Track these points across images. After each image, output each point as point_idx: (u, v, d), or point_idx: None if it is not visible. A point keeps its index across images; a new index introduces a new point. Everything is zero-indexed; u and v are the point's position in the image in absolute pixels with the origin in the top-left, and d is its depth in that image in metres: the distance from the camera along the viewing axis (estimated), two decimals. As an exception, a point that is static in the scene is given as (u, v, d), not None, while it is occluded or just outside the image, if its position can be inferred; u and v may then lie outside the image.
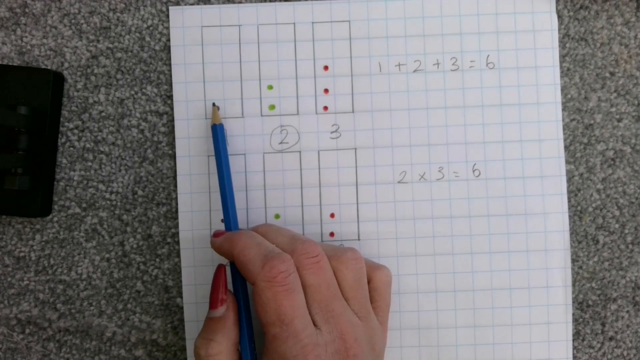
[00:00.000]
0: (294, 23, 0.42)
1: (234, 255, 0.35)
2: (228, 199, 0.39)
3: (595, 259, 0.42)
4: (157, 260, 0.42)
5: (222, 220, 0.41)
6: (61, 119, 0.42)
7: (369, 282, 0.38)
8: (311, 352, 0.33)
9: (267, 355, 0.34)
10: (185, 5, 0.41)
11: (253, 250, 0.35)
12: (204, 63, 0.41)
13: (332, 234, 0.42)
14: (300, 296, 0.34)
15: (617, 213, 0.42)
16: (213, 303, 0.36)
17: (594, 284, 0.42)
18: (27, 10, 0.41)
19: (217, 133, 0.40)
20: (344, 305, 0.36)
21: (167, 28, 0.42)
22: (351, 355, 0.34)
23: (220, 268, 0.37)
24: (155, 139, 0.42)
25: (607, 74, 0.42)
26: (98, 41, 0.42)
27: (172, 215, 0.42)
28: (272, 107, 0.42)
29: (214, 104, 0.41)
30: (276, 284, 0.33)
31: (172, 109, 0.42)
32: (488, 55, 0.42)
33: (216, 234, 0.38)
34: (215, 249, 0.37)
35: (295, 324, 0.33)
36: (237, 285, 0.37)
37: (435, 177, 0.42)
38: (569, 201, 0.42)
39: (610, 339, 0.42)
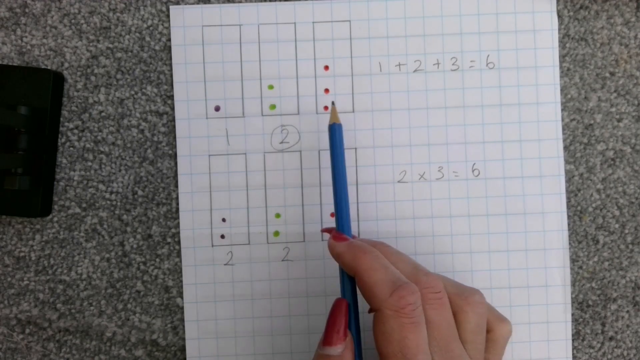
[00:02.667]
0: (295, 23, 0.42)
1: (358, 272, 0.33)
2: (343, 202, 0.37)
3: (595, 259, 0.42)
4: (157, 260, 0.42)
5: (222, 220, 0.41)
6: (61, 119, 0.42)
7: (489, 331, 0.36)
8: None
9: None
10: (186, 4, 0.41)
11: (380, 273, 0.33)
12: (205, 63, 0.41)
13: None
14: (424, 331, 0.32)
15: (617, 213, 0.42)
16: (330, 339, 0.33)
17: (594, 284, 0.42)
18: (27, 10, 0.41)
19: (336, 132, 0.38)
20: (462, 347, 0.34)
21: (167, 28, 0.42)
22: None
23: (341, 302, 0.34)
24: (155, 139, 0.42)
25: (607, 74, 0.42)
26: (98, 41, 0.42)
27: (172, 215, 0.42)
28: (272, 106, 0.42)
29: (333, 103, 0.40)
30: (403, 315, 0.31)
31: (172, 109, 0.42)
32: (488, 55, 0.42)
33: (335, 237, 0.36)
34: (334, 254, 0.35)
35: None
36: (351, 322, 0.35)
37: (435, 176, 0.42)
38: (569, 201, 0.42)
39: (610, 339, 0.43)
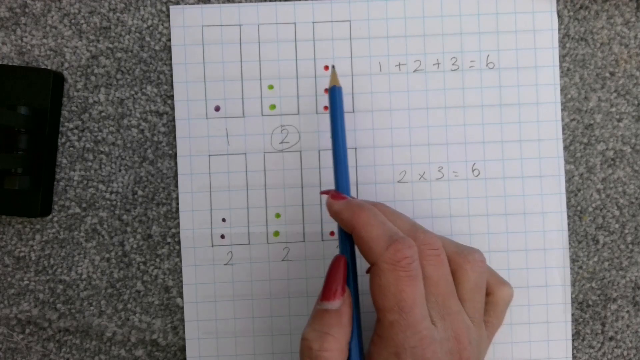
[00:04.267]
0: (295, 23, 0.42)
1: (355, 228, 0.33)
2: (342, 161, 0.36)
3: (595, 259, 0.42)
4: (157, 260, 0.42)
5: (222, 220, 0.41)
6: (61, 119, 0.42)
7: (489, 294, 0.36)
8: (428, 346, 0.31)
9: (381, 343, 0.32)
10: (186, 4, 0.41)
11: (377, 228, 0.32)
12: (205, 63, 0.41)
13: (332, 233, 0.42)
14: (421, 285, 0.32)
15: (617, 213, 0.42)
16: (329, 294, 0.33)
17: (594, 284, 0.42)
18: (27, 10, 0.41)
19: (336, 95, 0.37)
20: (460, 304, 0.34)
21: (167, 28, 0.42)
22: (464, 357, 0.32)
23: (340, 258, 0.35)
24: (155, 139, 0.42)
25: (607, 74, 0.42)
26: (98, 41, 0.42)
27: (172, 215, 0.42)
28: (272, 106, 0.42)
29: (333, 66, 0.40)
30: (400, 268, 0.31)
31: (172, 109, 0.42)
32: (488, 55, 0.42)
33: (334, 196, 0.35)
34: (332, 212, 0.35)
35: (414, 313, 0.31)
36: (349, 279, 0.35)
37: (435, 176, 0.42)
38: (569, 201, 0.42)
39: (610, 339, 0.43)
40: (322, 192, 0.38)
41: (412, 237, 0.33)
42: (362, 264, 0.35)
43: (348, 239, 0.35)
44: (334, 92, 0.38)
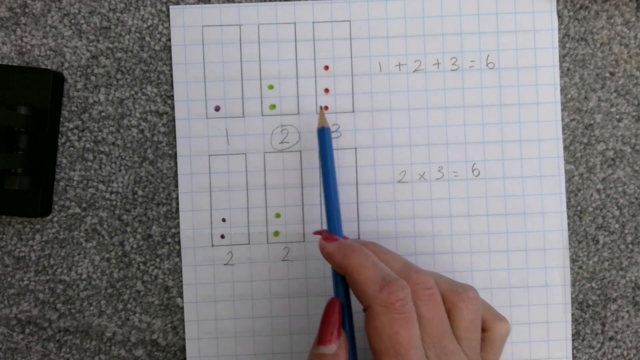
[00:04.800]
0: (295, 23, 0.42)
1: (348, 271, 0.33)
2: (334, 204, 0.37)
3: (595, 259, 0.42)
4: (157, 260, 0.42)
5: (222, 220, 0.41)
6: (61, 119, 0.42)
7: (486, 330, 0.36)
8: None
9: None
10: (186, 4, 0.41)
11: (369, 270, 0.33)
12: (205, 63, 0.41)
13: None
14: (416, 326, 0.32)
15: (617, 213, 0.42)
16: (324, 338, 0.33)
17: (594, 284, 0.42)
18: (27, 10, 0.41)
19: (325, 136, 0.39)
20: (456, 343, 0.33)
21: (167, 28, 0.42)
22: None
23: (334, 301, 0.35)
24: (155, 139, 0.42)
25: (607, 74, 0.42)
26: (98, 41, 0.42)
27: (172, 215, 0.42)
28: (272, 106, 0.42)
29: (321, 107, 0.41)
30: (394, 310, 0.31)
31: (172, 109, 0.42)
32: (488, 55, 0.42)
33: (326, 237, 0.36)
34: (324, 255, 0.35)
35: (410, 355, 0.31)
36: (345, 321, 0.35)
37: (435, 176, 0.42)
38: (569, 201, 0.42)
39: (610, 339, 0.43)
40: (315, 233, 0.38)
41: (404, 277, 0.33)
42: (356, 304, 0.35)
43: (342, 280, 0.35)
44: (323, 133, 0.39)
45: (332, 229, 0.37)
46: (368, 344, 0.32)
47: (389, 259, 0.35)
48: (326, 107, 0.42)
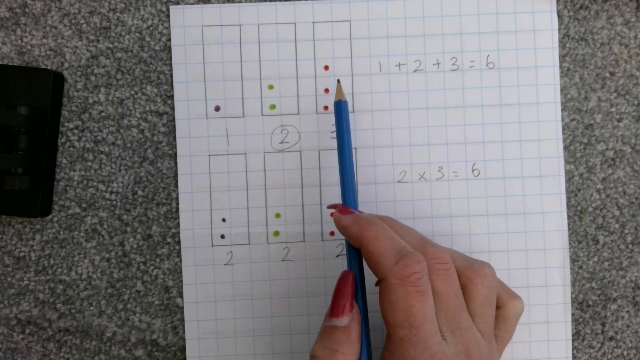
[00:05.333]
0: (295, 23, 0.42)
1: (364, 243, 0.33)
2: (349, 177, 0.37)
3: (595, 259, 0.42)
4: (157, 260, 0.42)
5: (222, 220, 0.41)
6: (61, 119, 0.42)
7: (500, 308, 0.36)
8: None
9: (392, 359, 0.32)
10: (186, 4, 0.41)
11: (385, 243, 0.32)
12: (205, 63, 0.41)
13: (332, 234, 0.42)
14: (431, 300, 0.32)
15: (617, 213, 0.42)
16: (337, 311, 0.33)
17: (594, 284, 0.42)
18: (27, 10, 0.41)
19: (342, 110, 0.38)
20: (470, 319, 0.33)
21: (167, 28, 0.42)
22: None
23: (347, 274, 0.34)
24: (155, 139, 0.42)
25: (607, 74, 0.42)
26: (98, 41, 0.42)
27: (172, 215, 0.42)
28: (272, 106, 0.42)
29: (339, 80, 0.41)
30: (409, 283, 0.31)
31: (172, 109, 0.42)
32: (488, 55, 0.42)
33: (341, 210, 0.35)
34: (340, 227, 0.35)
35: (425, 329, 0.31)
36: (358, 295, 0.34)
37: (435, 176, 0.42)
38: (569, 201, 0.42)
39: (610, 339, 0.43)
40: (329, 206, 0.38)
41: (420, 252, 0.33)
42: (369, 280, 0.35)
43: (356, 253, 0.35)
44: (340, 106, 0.38)
45: (347, 202, 0.36)
46: (381, 320, 0.32)
47: (405, 233, 0.34)
48: (326, 107, 0.42)
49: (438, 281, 0.33)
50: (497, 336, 0.36)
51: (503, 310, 0.36)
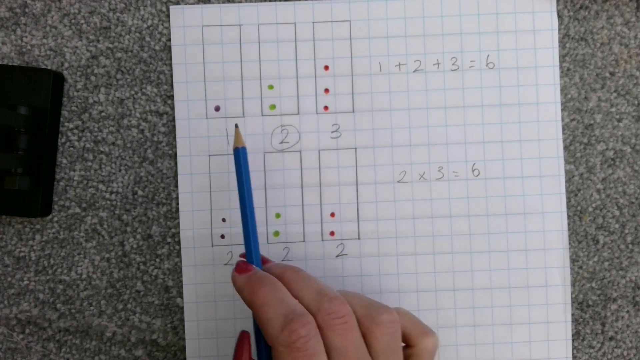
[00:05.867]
0: (295, 23, 0.42)
1: (253, 309, 0.33)
2: (250, 230, 0.36)
3: (595, 259, 0.42)
4: (157, 260, 0.42)
5: (222, 220, 0.41)
6: (61, 119, 0.42)
7: (412, 347, 0.35)
8: None
9: None
10: (186, 4, 0.41)
11: (274, 308, 0.32)
12: (205, 63, 0.41)
13: (332, 233, 0.42)
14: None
15: (617, 213, 0.42)
16: None
17: (594, 284, 0.42)
18: (27, 10, 0.41)
19: (240, 157, 0.37)
20: None
21: (167, 28, 0.42)
22: None
23: (244, 336, 0.35)
24: (155, 139, 0.42)
25: (607, 74, 0.42)
26: (98, 41, 0.42)
27: (172, 215, 0.42)
28: (272, 106, 0.42)
29: (236, 125, 0.38)
30: (296, 349, 0.31)
31: (172, 109, 0.42)
32: (488, 55, 0.42)
33: (239, 269, 0.35)
34: (236, 288, 0.35)
35: None
36: (262, 352, 0.35)
37: (435, 176, 0.42)
38: (569, 201, 0.42)
39: (610, 339, 0.43)
40: (240, 255, 0.37)
41: (316, 308, 0.33)
42: None
43: None
44: (238, 153, 0.37)
45: (248, 256, 0.36)
46: None
47: (303, 288, 0.34)
48: (326, 107, 0.42)
49: (334, 337, 0.32)
50: None
51: (416, 349, 0.35)
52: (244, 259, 0.36)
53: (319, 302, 0.33)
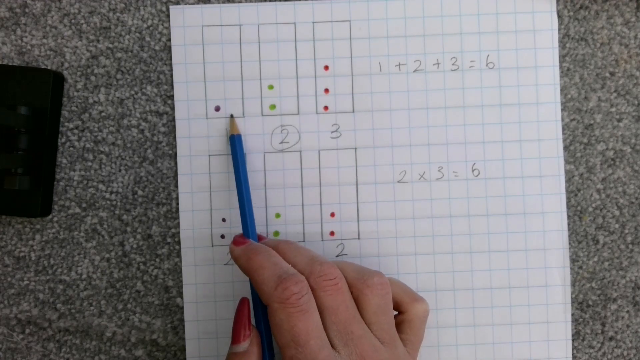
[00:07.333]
0: (295, 23, 0.42)
1: (249, 273, 0.35)
2: (246, 207, 0.39)
3: (595, 259, 0.42)
4: (157, 260, 0.42)
5: (222, 220, 0.41)
6: (61, 119, 0.42)
7: (403, 312, 0.37)
8: None
9: None
10: (186, 4, 0.41)
11: (268, 270, 0.34)
12: (205, 63, 0.41)
13: (332, 233, 0.42)
14: (315, 317, 0.33)
15: (617, 213, 0.42)
16: (236, 338, 0.35)
17: (594, 284, 0.42)
18: (27, 10, 0.41)
19: (235, 143, 0.40)
20: (365, 328, 0.35)
21: (167, 28, 0.42)
22: None
23: (243, 301, 0.37)
24: (155, 139, 0.42)
25: (607, 74, 0.42)
26: (98, 41, 0.42)
27: (172, 215, 0.42)
28: (272, 106, 0.42)
29: (231, 116, 0.41)
30: (289, 305, 0.33)
31: (172, 109, 0.42)
32: (488, 55, 0.42)
33: (236, 242, 0.37)
34: (233, 258, 0.37)
35: (310, 345, 0.32)
36: (259, 317, 0.37)
37: (435, 176, 0.42)
38: (569, 201, 0.42)
39: (610, 339, 0.43)
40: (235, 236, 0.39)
41: (308, 271, 0.34)
42: None
43: None
44: (233, 140, 0.40)
45: (244, 230, 0.39)
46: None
47: (295, 256, 0.36)
48: (326, 107, 0.42)
49: (326, 297, 0.34)
50: (406, 340, 0.37)
51: (407, 315, 0.37)
52: (240, 234, 0.39)
53: (311, 266, 0.35)
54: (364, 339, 0.34)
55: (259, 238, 0.39)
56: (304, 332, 0.32)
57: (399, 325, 0.37)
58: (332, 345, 0.33)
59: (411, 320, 0.37)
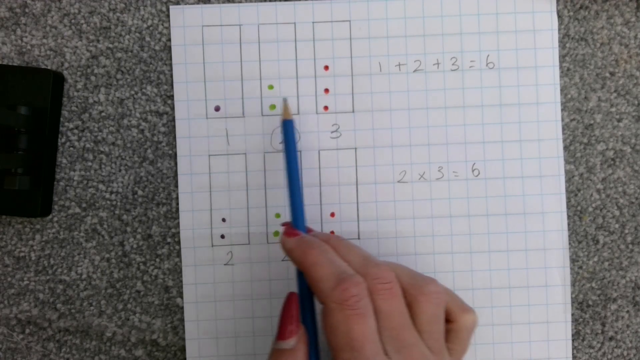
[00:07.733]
0: (295, 23, 0.42)
1: (305, 268, 0.34)
2: (297, 196, 0.38)
3: (595, 259, 0.42)
4: (157, 260, 0.42)
5: (222, 220, 0.41)
6: (61, 119, 0.42)
7: (452, 322, 0.36)
8: None
9: None
10: (186, 4, 0.41)
11: (326, 267, 0.33)
12: (205, 63, 0.41)
13: (332, 233, 0.42)
14: (371, 322, 0.32)
15: (617, 213, 0.42)
16: (283, 334, 0.34)
17: (594, 284, 0.42)
18: (27, 10, 0.41)
19: (288, 129, 0.39)
20: (416, 335, 0.33)
21: (167, 28, 0.42)
22: None
23: (291, 296, 0.36)
24: (155, 139, 0.42)
25: (607, 74, 0.42)
26: (98, 41, 0.42)
27: (172, 215, 0.42)
28: (272, 106, 0.42)
29: (285, 99, 0.41)
30: (347, 307, 0.32)
31: (172, 109, 0.42)
32: (488, 55, 0.42)
33: (287, 232, 0.36)
34: (285, 249, 0.36)
35: (366, 350, 0.31)
36: (307, 315, 0.35)
37: (435, 176, 0.42)
38: (569, 201, 0.42)
39: (610, 339, 0.43)
40: (282, 224, 0.38)
41: (363, 272, 0.33)
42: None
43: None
44: (287, 125, 0.39)
45: (294, 222, 0.37)
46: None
47: (348, 254, 0.35)
48: (326, 107, 0.42)
49: (380, 301, 0.33)
50: (451, 349, 0.36)
51: (455, 325, 0.36)
52: (290, 224, 0.37)
53: (366, 267, 0.34)
54: (415, 347, 0.33)
55: (308, 230, 0.38)
56: (361, 336, 0.31)
57: (446, 334, 0.36)
58: (385, 351, 0.32)
59: (459, 330, 0.36)
